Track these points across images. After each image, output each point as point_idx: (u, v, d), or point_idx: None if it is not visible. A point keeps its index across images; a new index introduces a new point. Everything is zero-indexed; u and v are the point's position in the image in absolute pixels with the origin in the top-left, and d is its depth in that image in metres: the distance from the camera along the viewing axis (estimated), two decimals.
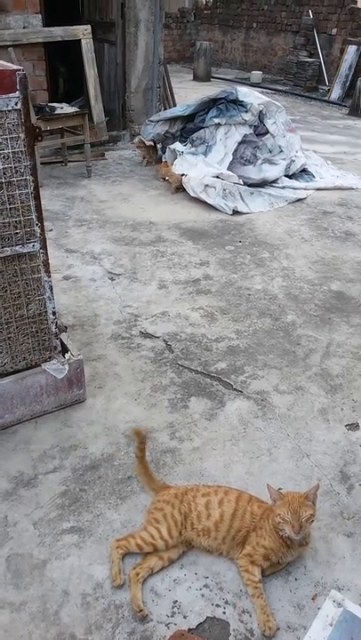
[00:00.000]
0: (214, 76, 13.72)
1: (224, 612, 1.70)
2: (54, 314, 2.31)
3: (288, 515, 1.71)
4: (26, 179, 1.98)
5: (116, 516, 1.98)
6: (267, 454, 2.30)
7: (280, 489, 1.94)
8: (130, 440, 2.32)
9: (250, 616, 1.70)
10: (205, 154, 5.52)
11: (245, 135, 5.54)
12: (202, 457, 2.27)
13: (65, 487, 2.09)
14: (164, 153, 5.96)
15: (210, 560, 1.86)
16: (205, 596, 1.74)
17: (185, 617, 1.68)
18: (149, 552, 1.81)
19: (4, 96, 1.82)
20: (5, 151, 1.90)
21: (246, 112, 5.48)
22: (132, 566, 1.78)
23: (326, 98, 11.60)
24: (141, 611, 1.66)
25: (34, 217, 2.06)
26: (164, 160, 5.87)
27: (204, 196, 5.03)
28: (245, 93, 5.62)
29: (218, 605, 1.72)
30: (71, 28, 5.94)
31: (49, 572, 1.79)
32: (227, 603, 1.73)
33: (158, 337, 3.06)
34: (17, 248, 2.07)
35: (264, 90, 11.68)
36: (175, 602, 1.72)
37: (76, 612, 1.68)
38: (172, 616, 1.68)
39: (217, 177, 5.14)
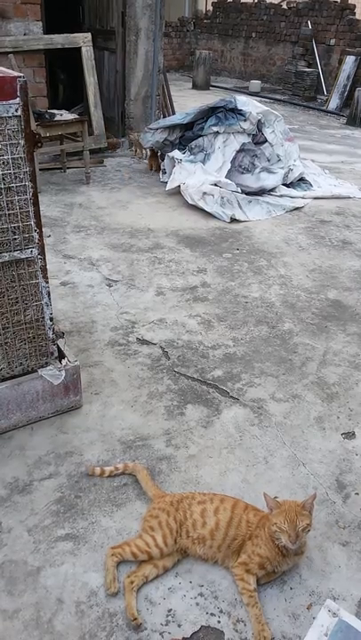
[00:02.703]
0: (213, 84, 13.82)
1: (219, 621, 1.70)
2: (51, 320, 2.31)
3: (285, 524, 1.70)
4: (25, 185, 1.98)
5: (112, 524, 1.97)
6: (263, 462, 2.29)
7: (276, 497, 1.94)
8: (125, 447, 2.32)
9: (245, 625, 1.69)
10: (204, 162, 5.55)
11: (244, 144, 5.56)
12: (198, 464, 2.26)
13: (60, 494, 2.08)
14: (162, 160, 5.98)
15: (205, 568, 1.85)
16: (200, 605, 1.74)
17: (179, 626, 1.67)
18: (144, 560, 1.80)
19: (4, 102, 1.83)
20: (5, 157, 1.90)
21: (245, 121, 5.51)
22: (126, 574, 1.77)
23: (324, 107, 11.70)
24: (136, 619, 1.65)
25: (32, 223, 2.06)
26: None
27: (202, 204, 5.05)
28: (244, 102, 5.65)
29: (212, 614, 1.71)
30: (72, 35, 5.99)
31: (43, 579, 1.78)
32: (221, 612, 1.72)
33: (155, 344, 3.06)
34: (15, 254, 2.07)
35: (263, 99, 11.78)
36: (170, 610, 1.71)
37: (70, 620, 1.67)
38: (167, 625, 1.67)
39: (215, 185, 5.16)
